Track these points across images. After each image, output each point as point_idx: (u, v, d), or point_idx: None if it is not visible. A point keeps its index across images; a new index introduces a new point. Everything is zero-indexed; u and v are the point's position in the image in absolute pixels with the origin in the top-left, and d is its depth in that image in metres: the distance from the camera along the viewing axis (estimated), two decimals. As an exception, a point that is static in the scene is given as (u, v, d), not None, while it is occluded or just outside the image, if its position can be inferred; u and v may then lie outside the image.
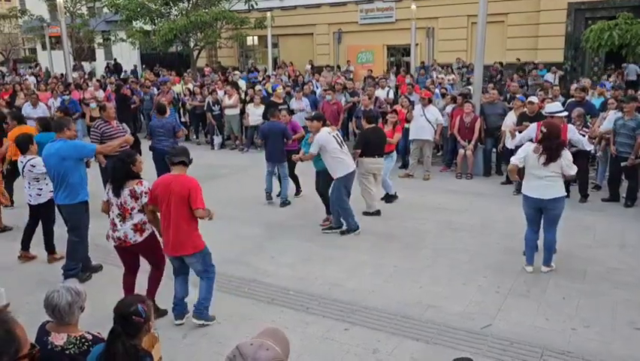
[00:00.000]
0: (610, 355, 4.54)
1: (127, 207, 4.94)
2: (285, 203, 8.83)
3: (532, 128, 7.23)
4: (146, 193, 4.97)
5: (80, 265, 6.16)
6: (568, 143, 6.88)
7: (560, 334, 4.85)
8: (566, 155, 5.84)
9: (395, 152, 9.26)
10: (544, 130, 5.88)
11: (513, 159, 6.12)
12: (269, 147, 8.82)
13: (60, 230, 6.72)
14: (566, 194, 6.06)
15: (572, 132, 7.18)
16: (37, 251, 6.82)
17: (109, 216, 5.09)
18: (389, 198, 8.89)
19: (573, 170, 5.86)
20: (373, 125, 8.13)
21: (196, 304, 5.08)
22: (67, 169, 5.85)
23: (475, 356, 4.47)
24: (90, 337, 3.03)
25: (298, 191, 9.30)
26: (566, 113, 7.35)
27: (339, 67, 22.94)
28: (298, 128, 9.37)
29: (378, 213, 8.18)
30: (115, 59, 30.39)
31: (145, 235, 5.05)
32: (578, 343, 4.71)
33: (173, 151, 5.15)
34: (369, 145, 7.92)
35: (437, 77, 16.27)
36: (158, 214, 4.99)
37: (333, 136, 7.31)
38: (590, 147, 7.13)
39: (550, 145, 5.75)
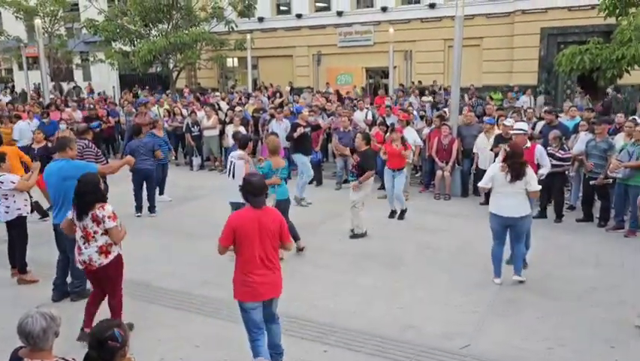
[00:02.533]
0: (586, 373, 4.59)
1: (89, 230, 4.84)
2: None
3: None
4: (109, 217, 4.81)
5: (85, 282, 6.05)
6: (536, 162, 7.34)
7: (537, 353, 4.90)
8: (530, 172, 6.21)
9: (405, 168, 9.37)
10: (508, 149, 6.28)
11: (481, 184, 6.53)
12: None
13: (47, 250, 6.57)
14: (531, 211, 6.40)
15: (540, 153, 7.56)
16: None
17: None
18: (402, 213, 9.19)
19: (537, 187, 6.25)
20: (369, 146, 8.32)
21: (278, 351, 4.66)
22: (68, 189, 5.64)
23: (455, 377, 4.49)
24: (64, 363, 2.97)
25: None
26: (527, 132, 7.67)
27: (312, 89, 22.87)
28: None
29: (365, 234, 8.24)
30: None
31: (111, 257, 4.92)
32: (555, 362, 4.76)
33: (261, 184, 4.44)
34: (375, 165, 8.26)
35: (415, 100, 16.50)
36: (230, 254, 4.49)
37: None
38: (545, 171, 7.42)
39: (514, 163, 6.11)
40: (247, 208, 4.38)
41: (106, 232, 4.84)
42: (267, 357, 4.39)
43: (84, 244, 4.88)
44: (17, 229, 6.58)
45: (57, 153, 6.11)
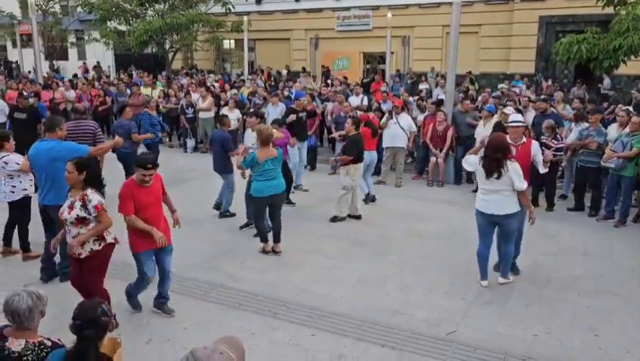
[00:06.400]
0: (569, 361, 4.65)
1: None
2: (224, 215, 8.45)
3: None
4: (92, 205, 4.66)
5: None
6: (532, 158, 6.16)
7: (522, 340, 4.95)
8: (514, 168, 5.59)
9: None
10: (487, 142, 5.88)
11: (464, 163, 6.08)
12: (213, 155, 8.62)
13: (33, 229, 6.63)
14: (519, 209, 5.77)
15: (536, 151, 6.20)
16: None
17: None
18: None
19: (523, 184, 5.64)
20: (359, 131, 8.32)
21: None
22: (57, 170, 5.53)
23: (439, 362, 4.54)
24: (49, 343, 2.97)
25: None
26: (524, 124, 7.07)
27: (308, 72, 22.53)
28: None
29: (344, 219, 8.29)
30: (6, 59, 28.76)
31: (103, 243, 4.82)
32: (539, 349, 4.81)
33: (151, 157, 5.42)
34: (361, 151, 8.21)
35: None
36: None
37: None
38: (543, 170, 6.40)
39: (488, 158, 5.61)
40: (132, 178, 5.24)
41: (95, 217, 4.70)
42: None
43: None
44: (22, 208, 6.59)
45: (47, 133, 6.06)
